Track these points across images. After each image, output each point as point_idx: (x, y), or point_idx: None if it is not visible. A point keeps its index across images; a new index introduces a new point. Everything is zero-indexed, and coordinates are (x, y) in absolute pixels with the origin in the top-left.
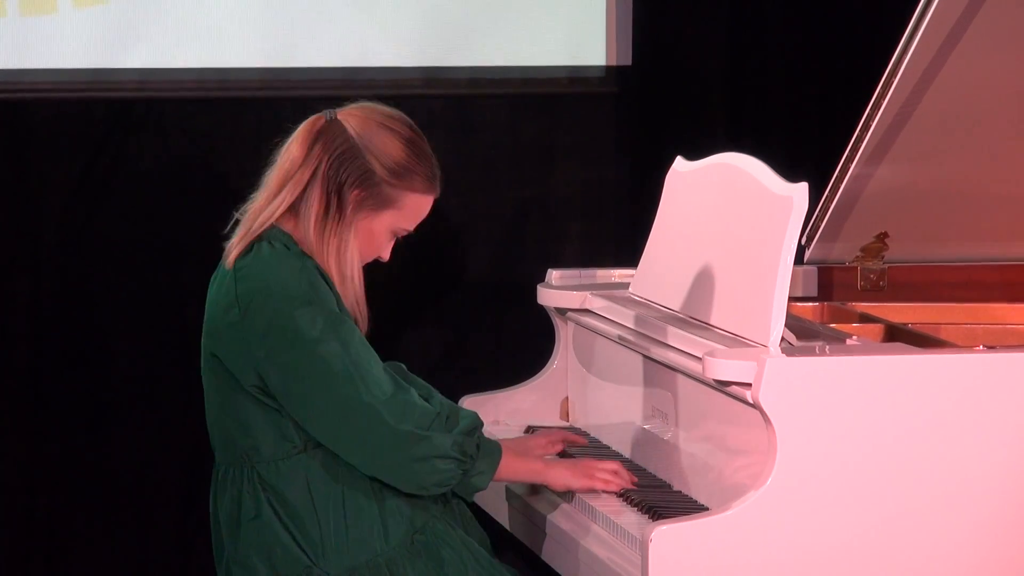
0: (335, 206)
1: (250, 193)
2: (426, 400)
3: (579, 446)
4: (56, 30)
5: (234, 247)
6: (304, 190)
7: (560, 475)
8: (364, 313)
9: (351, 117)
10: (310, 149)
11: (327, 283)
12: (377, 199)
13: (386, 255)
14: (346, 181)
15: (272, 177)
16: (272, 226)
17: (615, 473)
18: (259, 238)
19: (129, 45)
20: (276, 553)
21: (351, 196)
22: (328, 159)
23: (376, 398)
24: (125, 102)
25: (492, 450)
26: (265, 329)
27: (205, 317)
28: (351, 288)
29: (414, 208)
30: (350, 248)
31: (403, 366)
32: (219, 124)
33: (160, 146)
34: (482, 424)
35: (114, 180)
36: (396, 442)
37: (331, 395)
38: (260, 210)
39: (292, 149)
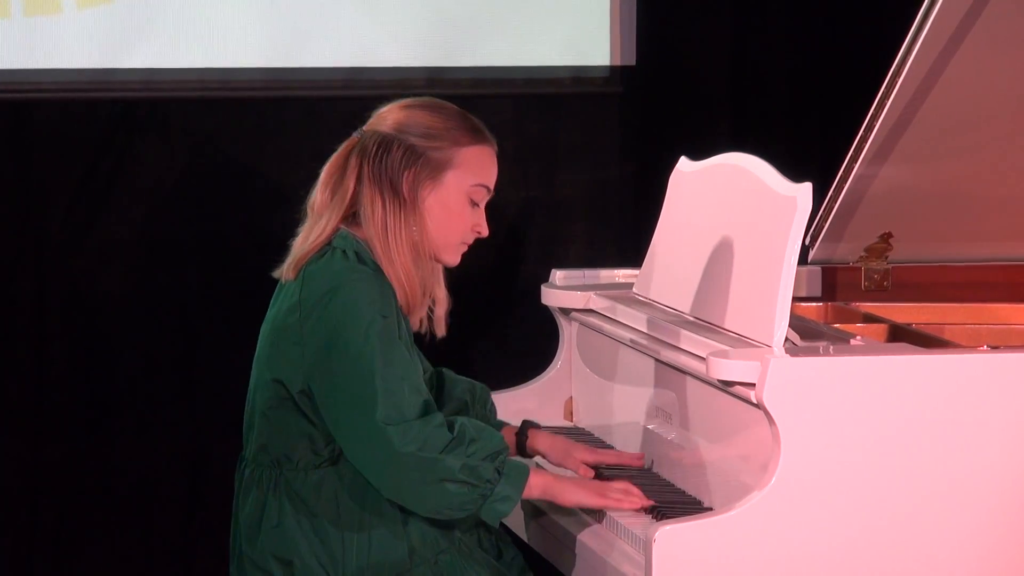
0: (391, 197)
1: (253, 193)
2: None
3: (634, 468)
4: (60, 30)
5: (289, 268)
6: (353, 197)
7: (573, 492)
8: (442, 297)
9: (376, 120)
10: (347, 163)
11: (394, 300)
12: (430, 167)
13: (483, 227)
14: (394, 169)
15: (317, 201)
16: (338, 230)
17: (626, 491)
18: (330, 243)
19: (133, 45)
20: (295, 565)
21: (405, 180)
22: (368, 161)
23: (390, 419)
24: (129, 102)
25: (518, 473)
26: (322, 338)
27: (266, 317)
28: (426, 269)
29: (473, 162)
30: (423, 233)
31: (445, 371)
32: (223, 124)
33: (164, 146)
34: (507, 449)
35: (118, 180)
36: (399, 464)
37: (351, 409)
38: (310, 229)
39: (330, 171)
